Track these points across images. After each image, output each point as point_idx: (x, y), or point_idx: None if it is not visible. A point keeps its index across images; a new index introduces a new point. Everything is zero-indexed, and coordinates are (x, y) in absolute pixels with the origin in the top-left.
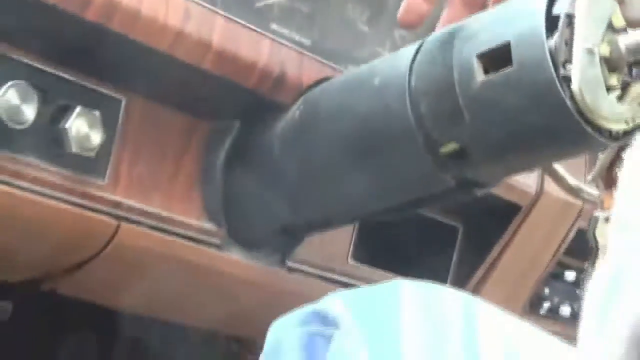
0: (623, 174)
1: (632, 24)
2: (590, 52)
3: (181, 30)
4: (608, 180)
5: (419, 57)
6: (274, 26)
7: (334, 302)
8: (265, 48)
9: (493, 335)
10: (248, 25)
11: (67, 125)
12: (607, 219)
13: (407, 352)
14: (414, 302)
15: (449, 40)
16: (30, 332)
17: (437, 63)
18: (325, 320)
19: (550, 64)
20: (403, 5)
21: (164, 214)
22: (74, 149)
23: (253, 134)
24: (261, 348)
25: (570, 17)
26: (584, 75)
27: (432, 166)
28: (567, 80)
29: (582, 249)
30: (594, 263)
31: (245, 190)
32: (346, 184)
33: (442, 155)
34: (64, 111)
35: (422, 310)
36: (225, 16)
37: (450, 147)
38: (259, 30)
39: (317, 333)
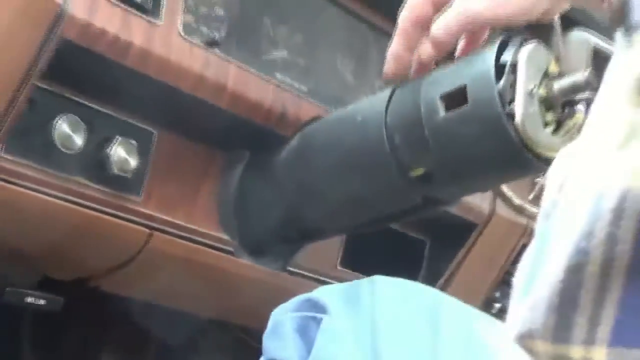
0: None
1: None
2: (530, 94)
3: (202, 75)
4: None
5: (393, 98)
6: (277, 75)
7: (324, 292)
8: (270, 92)
9: (453, 318)
10: (257, 73)
11: (109, 152)
12: None
13: (382, 331)
14: (387, 293)
15: (417, 86)
16: (76, 322)
17: (407, 103)
18: (316, 306)
19: (498, 103)
20: (388, 59)
21: (188, 225)
22: (115, 170)
23: (260, 162)
24: None
25: (514, 66)
26: (525, 113)
27: (403, 187)
28: (511, 116)
29: None
30: None
31: (253, 207)
32: (335, 202)
33: (412, 178)
34: (107, 140)
35: (394, 297)
36: (238, 65)
37: (418, 171)
38: (265, 77)
39: (309, 317)
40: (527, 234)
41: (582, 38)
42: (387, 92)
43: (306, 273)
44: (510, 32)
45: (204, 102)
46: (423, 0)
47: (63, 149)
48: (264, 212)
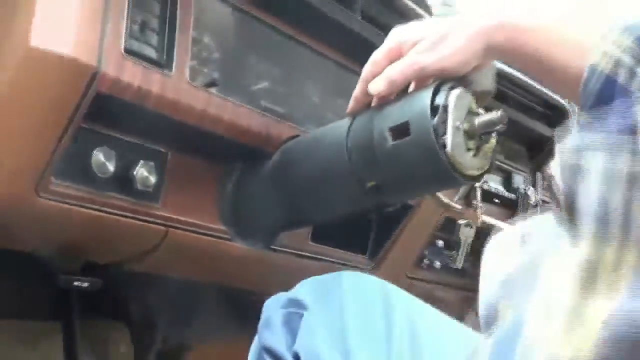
0: None
1: (479, 95)
2: (457, 128)
3: (204, 111)
4: (466, 201)
5: (353, 126)
6: (262, 102)
7: (302, 290)
8: (257, 119)
9: (402, 308)
10: (246, 105)
11: (134, 173)
12: (466, 225)
13: (348, 322)
14: (350, 287)
15: (372, 118)
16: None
17: (364, 131)
18: (298, 304)
19: (433, 136)
20: (352, 100)
21: (196, 222)
22: (139, 187)
23: (250, 172)
24: (265, 296)
25: (445, 107)
26: (453, 143)
27: (360, 195)
28: (443, 146)
29: (446, 227)
30: (458, 251)
31: (245, 206)
32: (308, 204)
33: (366, 189)
34: (132, 162)
35: (355, 291)
36: (231, 101)
37: (371, 184)
38: (252, 107)
39: (293, 312)
40: (448, 210)
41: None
42: (348, 121)
43: (285, 249)
44: (442, 82)
45: (207, 131)
46: (382, 59)
47: (99, 174)
48: (253, 209)
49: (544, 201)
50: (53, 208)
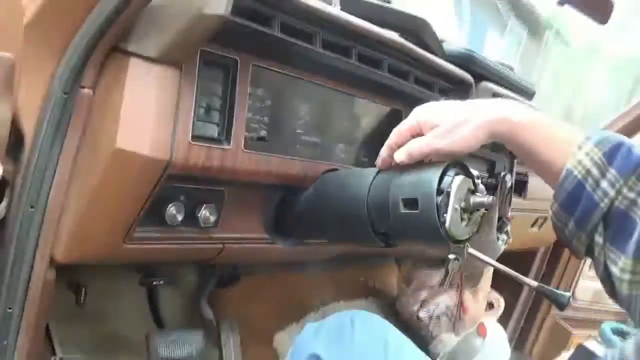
0: None
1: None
2: (455, 209)
3: (256, 171)
4: None
5: (373, 184)
6: (300, 149)
7: (320, 345)
8: (297, 166)
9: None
10: (288, 157)
11: (199, 215)
12: (454, 259)
13: None
14: (359, 329)
15: (390, 183)
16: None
17: (382, 194)
18: (317, 358)
19: (436, 215)
20: (379, 159)
21: (246, 236)
22: (202, 224)
23: (289, 198)
24: None
25: (448, 192)
26: (451, 220)
27: (370, 235)
28: (443, 222)
29: None
30: (445, 277)
31: (284, 222)
32: (329, 230)
33: (376, 233)
34: (196, 208)
35: (364, 332)
36: (277, 157)
37: (382, 231)
38: (293, 157)
39: None
40: None
41: (487, 87)
42: (371, 177)
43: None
44: (448, 166)
45: (257, 182)
46: (406, 133)
47: (171, 223)
48: (290, 224)
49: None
50: (135, 249)
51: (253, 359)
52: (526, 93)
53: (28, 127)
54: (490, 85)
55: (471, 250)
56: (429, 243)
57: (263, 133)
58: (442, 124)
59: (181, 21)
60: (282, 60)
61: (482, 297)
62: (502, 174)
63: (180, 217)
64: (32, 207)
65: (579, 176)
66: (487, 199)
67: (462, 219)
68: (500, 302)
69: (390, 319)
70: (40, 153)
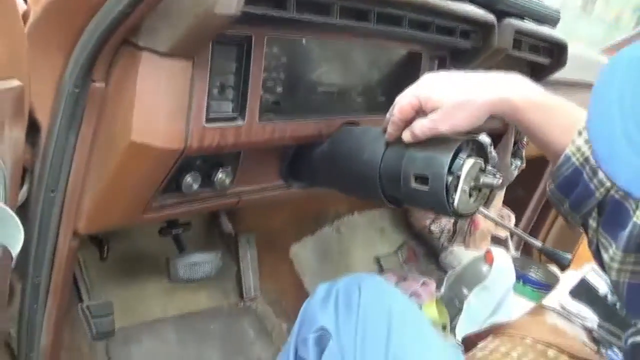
0: None
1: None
2: (464, 191)
3: (271, 138)
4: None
5: (387, 151)
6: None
7: (327, 319)
8: (312, 125)
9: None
10: (303, 120)
11: (215, 179)
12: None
13: (362, 327)
14: (367, 293)
15: (402, 152)
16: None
17: (395, 164)
18: (325, 330)
19: (444, 195)
20: (387, 135)
21: (261, 186)
22: (218, 187)
23: (303, 152)
24: None
25: (458, 176)
26: (459, 200)
27: (383, 199)
28: (452, 202)
29: None
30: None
31: (299, 170)
32: (342, 183)
33: (387, 198)
34: (212, 172)
35: (371, 296)
36: (292, 122)
37: (393, 196)
38: (308, 119)
39: (322, 335)
40: None
41: (509, 24)
42: (384, 144)
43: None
44: (461, 147)
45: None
46: (409, 109)
47: (187, 191)
48: (304, 172)
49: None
50: (155, 216)
51: (270, 271)
52: (551, 20)
53: (43, 118)
54: (513, 22)
55: (481, 209)
56: (438, 213)
57: (279, 93)
58: (443, 105)
59: (191, 19)
60: (298, 31)
61: (493, 213)
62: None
63: (196, 186)
64: (52, 191)
65: (577, 163)
66: (496, 180)
67: (470, 195)
68: (511, 218)
69: (403, 230)
70: (57, 144)
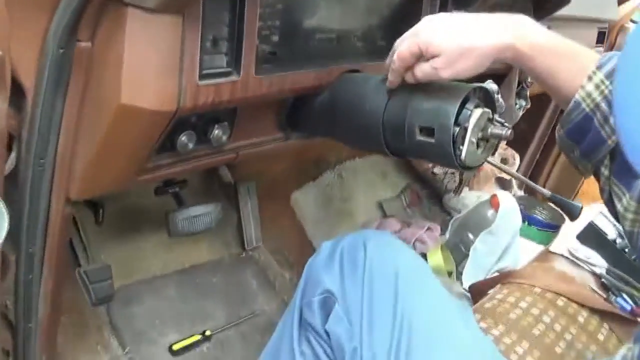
0: None
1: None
2: (472, 142)
3: (268, 92)
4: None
5: (390, 101)
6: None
7: (331, 280)
8: (312, 75)
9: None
10: (302, 70)
11: (211, 136)
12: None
13: (363, 314)
14: (373, 250)
15: (405, 103)
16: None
17: (398, 115)
18: (330, 293)
19: (451, 146)
20: (388, 83)
21: (259, 139)
22: (215, 144)
23: (301, 102)
24: None
25: (466, 127)
26: (467, 152)
27: (386, 151)
28: (459, 155)
29: None
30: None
31: (298, 121)
32: (342, 133)
33: (391, 150)
34: (207, 129)
35: (377, 253)
36: (290, 73)
37: (396, 148)
38: (307, 69)
39: (327, 297)
40: None
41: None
42: (387, 93)
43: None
44: (468, 96)
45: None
46: (409, 57)
47: (182, 151)
48: (304, 122)
49: None
50: (149, 177)
51: (271, 220)
52: None
53: (28, 82)
54: None
55: (489, 159)
56: (444, 166)
57: (275, 42)
58: (445, 52)
59: None
60: None
61: (497, 154)
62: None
63: (191, 144)
64: (41, 159)
65: (587, 109)
66: (504, 131)
67: (478, 146)
68: (515, 158)
69: (406, 173)
70: (44, 109)
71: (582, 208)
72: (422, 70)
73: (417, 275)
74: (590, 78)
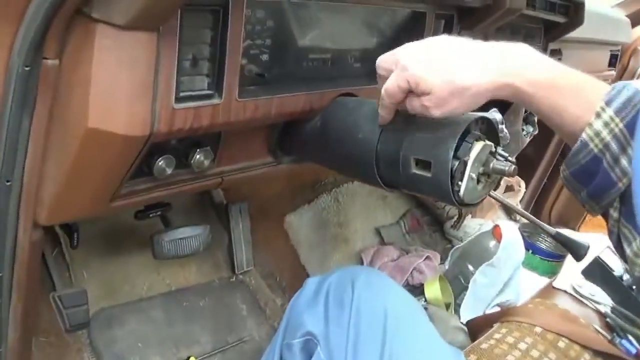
0: None
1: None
2: (471, 178)
3: (253, 117)
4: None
5: (384, 131)
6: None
7: (313, 322)
8: (301, 99)
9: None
10: (291, 93)
11: (192, 161)
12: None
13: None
14: (361, 290)
15: (401, 134)
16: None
17: (393, 147)
18: (313, 335)
19: (449, 182)
20: (380, 119)
21: (246, 164)
22: (196, 169)
23: (292, 127)
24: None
25: (465, 161)
26: (466, 189)
27: (380, 184)
28: (457, 191)
29: None
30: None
31: (288, 146)
32: (333, 161)
33: (385, 182)
34: (188, 153)
35: (365, 292)
36: (277, 97)
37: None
38: (297, 93)
39: (308, 339)
40: None
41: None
42: (379, 127)
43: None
44: (469, 127)
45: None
46: (398, 93)
47: (159, 177)
48: (295, 148)
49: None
50: (124, 203)
51: (264, 243)
52: None
53: None
54: None
55: (492, 193)
56: (440, 202)
57: (264, 62)
58: (436, 92)
59: None
60: None
61: (502, 180)
62: None
63: (170, 170)
64: (8, 181)
65: (595, 150)
66: (507, 167)
67: (479, 182)
68: (521, 185)
69: (406, 196)
70: (10, 129)
71: (588, 247)
72: (413, 107)
73: (407, 317)
74: (598, 115)
